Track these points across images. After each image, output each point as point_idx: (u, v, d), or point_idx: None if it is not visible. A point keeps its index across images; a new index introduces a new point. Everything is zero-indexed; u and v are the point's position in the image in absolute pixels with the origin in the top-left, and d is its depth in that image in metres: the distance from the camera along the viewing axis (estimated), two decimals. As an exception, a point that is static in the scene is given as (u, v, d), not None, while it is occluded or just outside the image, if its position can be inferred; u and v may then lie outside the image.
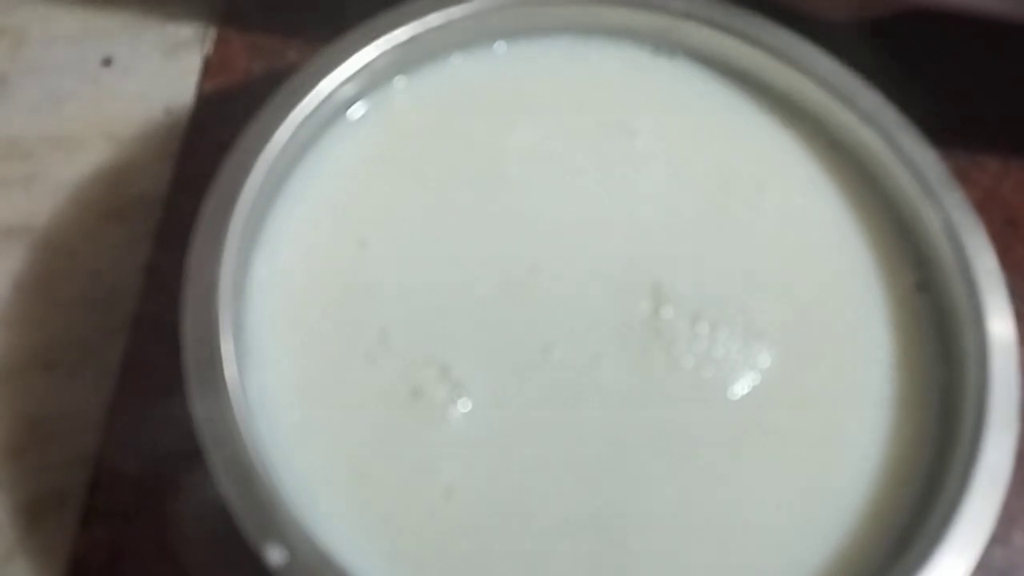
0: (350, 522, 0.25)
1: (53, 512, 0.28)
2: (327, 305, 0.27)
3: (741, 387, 0.27)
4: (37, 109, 0.34)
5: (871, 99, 0.30)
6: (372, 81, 0.30)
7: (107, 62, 0.35)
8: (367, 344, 0.27)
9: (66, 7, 0.35)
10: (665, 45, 0.32)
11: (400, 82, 0.31)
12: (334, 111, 0.29)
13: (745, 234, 0.30)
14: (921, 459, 0.27)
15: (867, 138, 0.30)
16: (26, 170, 0.33)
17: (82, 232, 0.32)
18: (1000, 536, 0.26)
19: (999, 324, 0.27)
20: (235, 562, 0.27)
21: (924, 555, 0.25)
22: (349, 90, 0.29)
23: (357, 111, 0.30)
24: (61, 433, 0.29)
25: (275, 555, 0.23)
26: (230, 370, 0.25)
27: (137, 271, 0.31)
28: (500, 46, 0.31)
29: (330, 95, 0.29)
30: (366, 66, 0.29)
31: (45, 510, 0.28)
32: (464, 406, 0.26)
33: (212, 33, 0.35)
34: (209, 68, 0.35)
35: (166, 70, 0.35)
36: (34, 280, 0.31)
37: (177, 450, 0.28)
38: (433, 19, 0.30)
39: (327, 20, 0.31)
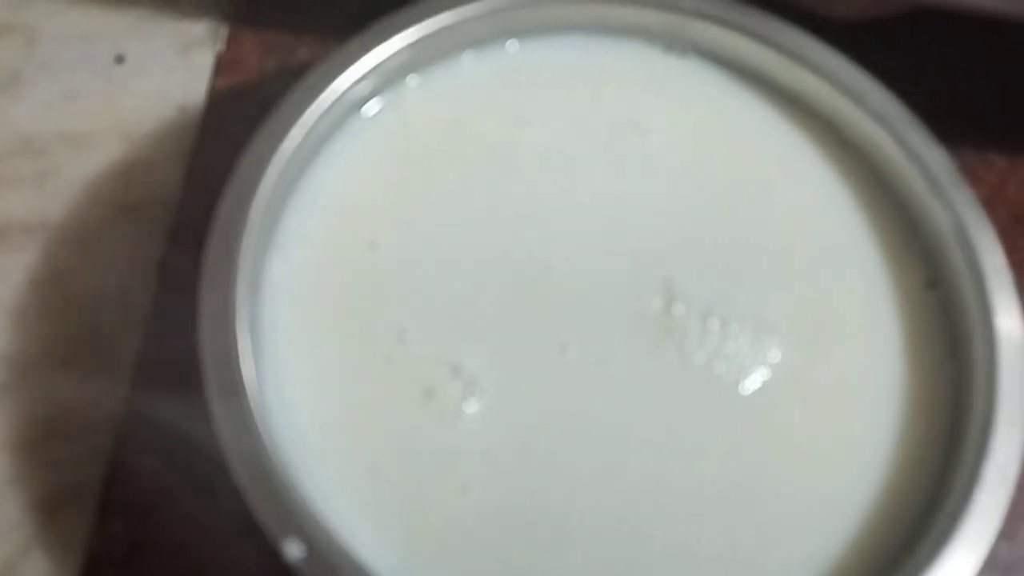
0: (367, 518, 0.25)
1: (70, 507, 0.28)
2: (342, 303, 0.28)
3: (752, 382, 0.28)
4: (50, 106, 0.34)
5: (880, 97, 0.30)
6: (385, 79, 0.30)
7: (120, 59, 0.35)
8: (382, 342, 0.27)
9: (78, 4, 0.35)
10: (676, 44, 0.32)
11: (413, 80, 0.31)
12: (348, 109, 0.29)
13: (755, 231, 0.30)
14: (930, 455, 0.27)
15: (876, 136, 0.30)
16: (40, 167, 0.33)
17: (96, 229, 0.32)
18: (1006, 531, 0.26)
19: (1007, 321, 0.27)
20: (252, 557, 0.27)
21: (934, 551, 0.25)
22: (363, 88, 0.29)
23: (371, 109, 0.30)
24: (77, 428, 0.29)
25: (293, 550, 0.23)
26: (247, 367, 0.25)
27: (151, 267, 0.31)
28: (512, 44, 0.32)
29: (344, 93, 0.29)
30: (380, 64, 0.29)
31: (62, 505, 0.29)
32: (477, 404, 0.27)
33: (224, 30, 0.35)
34: (221, 65, 0.35)
35: (179, 67, 0.35)
36: (49, 277, 0.31)
37: (193, 445, 0.28)
38: (445, 17, 0.30)
39: (339, 18, 0.31)
